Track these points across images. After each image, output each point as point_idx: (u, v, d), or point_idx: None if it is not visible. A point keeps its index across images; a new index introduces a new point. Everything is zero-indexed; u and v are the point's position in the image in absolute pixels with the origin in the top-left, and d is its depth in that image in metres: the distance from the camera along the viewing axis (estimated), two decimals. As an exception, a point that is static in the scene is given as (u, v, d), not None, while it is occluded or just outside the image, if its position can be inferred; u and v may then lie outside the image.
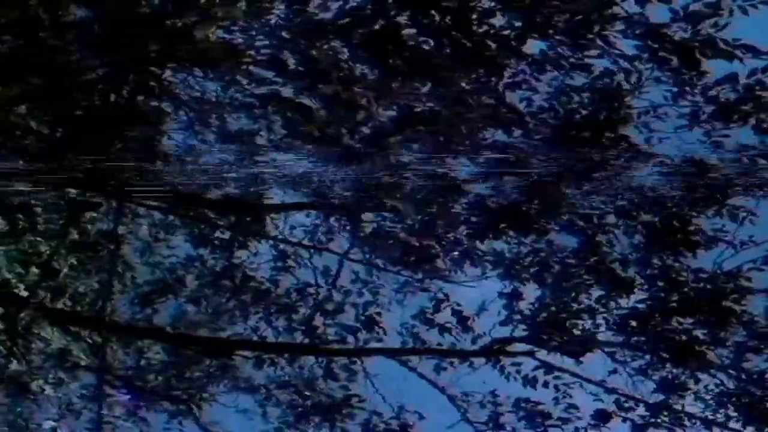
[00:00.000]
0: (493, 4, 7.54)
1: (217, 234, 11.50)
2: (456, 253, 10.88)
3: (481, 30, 7.62)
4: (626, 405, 11.24)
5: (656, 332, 10.52)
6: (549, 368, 11.17)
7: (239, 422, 12.18)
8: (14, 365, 11.46)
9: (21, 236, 10.20)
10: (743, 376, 10.67)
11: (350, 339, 11.68)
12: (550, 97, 8.46)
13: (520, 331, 11.05)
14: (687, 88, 8.10)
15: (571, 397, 11.24)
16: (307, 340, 11.75)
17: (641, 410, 11.22)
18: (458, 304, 11.38)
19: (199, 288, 11.83)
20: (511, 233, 10.21)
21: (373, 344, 11.69)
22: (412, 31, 7.69)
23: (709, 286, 10.08)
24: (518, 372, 11.26)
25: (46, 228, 10.28)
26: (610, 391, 11.24)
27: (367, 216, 10.68)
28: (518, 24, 7.64)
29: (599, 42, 7.67)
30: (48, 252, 10.67)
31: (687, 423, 11.14)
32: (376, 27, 7.61)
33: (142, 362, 12.15)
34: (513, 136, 8.65)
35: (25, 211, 9.80)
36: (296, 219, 11.35)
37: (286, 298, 11.81)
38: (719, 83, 8.05)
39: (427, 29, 7.61)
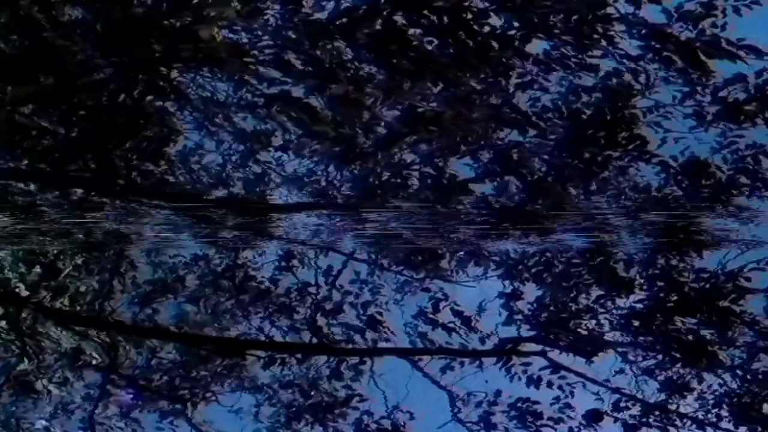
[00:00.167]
0: (487, 4, 7.53)
1: (223, 234, 11.51)
2: (461, 253, 10.87)
3: (485, 30, 7.61)
4: (622, 405, 11.22)
5: (666, 332, 10.49)
6: (556, 368, 11.14)
7: (231, 422, 12.20)
8: (23, 365, 11.47)
9: (26, 236, 10.23)
10: (749, 377, 10.64)
11: (357, 339, 11.69)
12: (559, 97, 8.46)
13: (525, 330, 11.04)
14: (698, 89, 8.08)
15: (573, 396, 11.21)
16: (315, 340, 11.74)
17: (635, 410, 11.20)
18: (456, 304, 11.39)
19: (200, 288, 11.84)
20: (516, 233, 10.19)
21: (383, 344, 11.69)
22: (417, 30, 7.69)
23: (707, 286, 10.06)
24: (524, 372, 11.25)
25: (52, 228, 10.30)
26: (614, 390, 11.21)
27: (372, 216, 10.67)
28: (516, 24, 7.62)
29: (603, 42, 7.66)
30: (54, 252, 10.70)
31: (678, 423, 11.11)
32: (377, 27, 7.60)
33: (153, 361, 12.15)
34: (521, 135, 8.65)
35: (31, 211, 9.82)
36: (301, 219, 11.36)
37: (285, 298, 11.81)
38: (729, 83, 8.04)
39: (427, 30, 7.60)
